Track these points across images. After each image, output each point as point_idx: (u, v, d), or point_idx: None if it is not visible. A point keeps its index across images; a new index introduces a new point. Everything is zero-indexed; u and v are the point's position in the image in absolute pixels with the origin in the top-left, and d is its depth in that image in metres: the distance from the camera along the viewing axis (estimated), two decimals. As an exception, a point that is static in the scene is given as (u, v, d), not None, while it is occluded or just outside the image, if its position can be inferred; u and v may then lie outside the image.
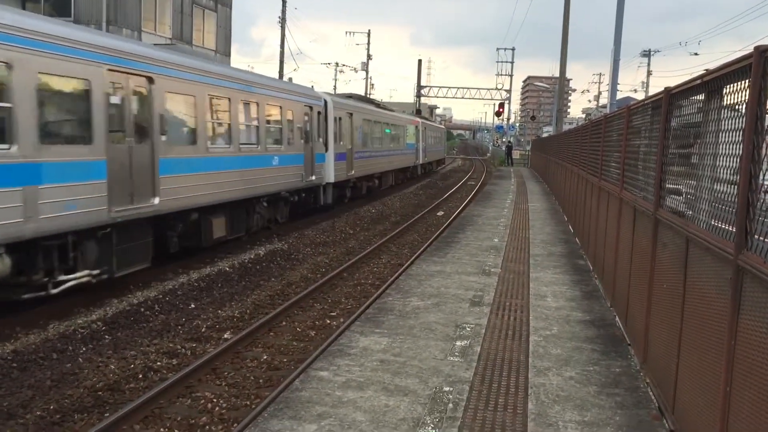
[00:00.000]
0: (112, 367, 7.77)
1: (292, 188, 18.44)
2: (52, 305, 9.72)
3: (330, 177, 21.69)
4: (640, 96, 66.83)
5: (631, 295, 7.34)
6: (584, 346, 7.36)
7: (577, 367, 6.67)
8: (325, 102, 21.66)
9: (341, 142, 22.88)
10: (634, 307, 7.09)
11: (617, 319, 8.34)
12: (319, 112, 20.71)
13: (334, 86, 73.89)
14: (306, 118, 19.51)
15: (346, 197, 24.66)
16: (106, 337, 8.90)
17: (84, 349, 8.40)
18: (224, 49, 33.18)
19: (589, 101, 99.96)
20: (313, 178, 20.03)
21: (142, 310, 10.15)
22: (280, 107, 17.52)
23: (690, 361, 4.69)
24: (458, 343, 7.32)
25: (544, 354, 7.04)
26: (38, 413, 6.46)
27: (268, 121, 16.87)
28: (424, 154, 44.39)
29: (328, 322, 9.97)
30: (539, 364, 6.72)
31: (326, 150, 21.41)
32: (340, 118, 22.77)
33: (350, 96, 28.71)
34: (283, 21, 43.70)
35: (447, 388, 5.97)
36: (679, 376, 4.95)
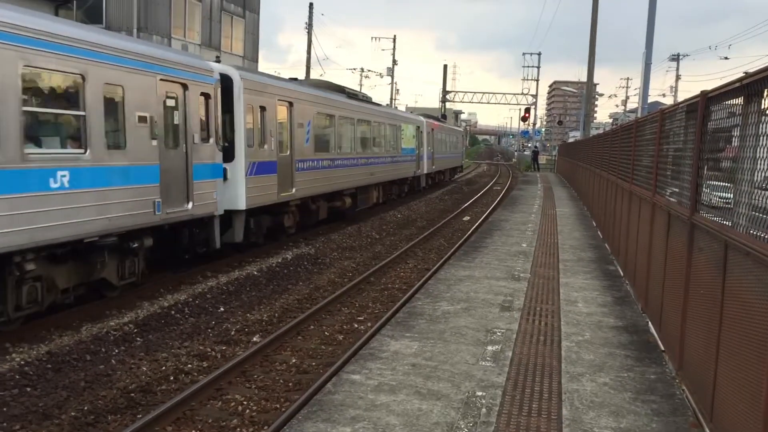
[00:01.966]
0: (144, 368, 7.85)
1: (131, 227, 10.42)
2: (84, 307, 9.85)
3: (239, 202, 13.72)
4: (668, 101, 66.11)
5: (665, 301, 7.24)
6: (617, 352, 7.27)
7: (611, 373, 6.59)
8: (226, 79, 13.55)
9: (266, 146, 14.91)
10: (669, 313, 6.98)
11: (650, 325, 8.23)
12: (206, 95, 12.60)
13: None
14: (170, 102, 11.60)
15: (288, 228, 16.70)
16: (138, 339, 8.99)
17: (116, 350, 8.49)
18: (252, 55, 33.48)
19: (617, 106, 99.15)
20: (189, 206, 11.96)
21: (173, 312, 10.24)
22: (82, 77, 9.31)
23: (729, 368, 4.60)
24: (489, 347, 7.27)
25: (576, 360, 6.97)
26: (73, 414, 6.54)
27: (40, 104, 8.91)
28: (431, 162, 35.51)
29: (356, 326, 9.97)
30: (572, 369, 6.65)
31: (231, 158, 13.59)
32: (263, 108, 14.80)
33: (295, 78, 20.51)
34: (309, 27, 44.00)
35: (480, 393, 5.93)
36: (718, 383, 4.86)
